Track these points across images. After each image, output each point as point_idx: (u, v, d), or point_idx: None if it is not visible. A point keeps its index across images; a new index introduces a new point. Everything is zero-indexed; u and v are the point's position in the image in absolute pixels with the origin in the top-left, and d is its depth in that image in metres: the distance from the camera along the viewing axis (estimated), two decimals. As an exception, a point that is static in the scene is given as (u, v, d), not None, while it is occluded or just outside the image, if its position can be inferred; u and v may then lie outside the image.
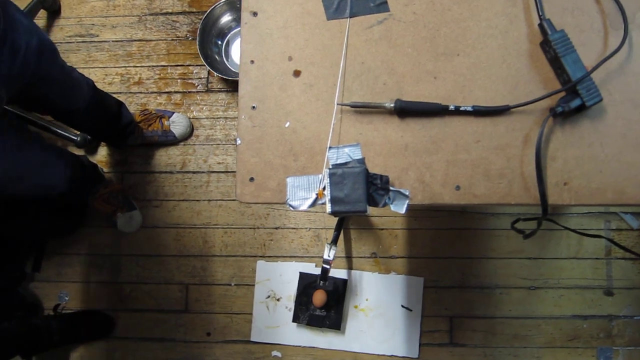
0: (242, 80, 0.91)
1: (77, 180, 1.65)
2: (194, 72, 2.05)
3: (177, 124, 1.97)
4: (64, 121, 1.72)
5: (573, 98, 0.82)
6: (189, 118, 2.02)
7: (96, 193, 1.87)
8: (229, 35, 2.06)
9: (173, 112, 1.99)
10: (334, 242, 1.56)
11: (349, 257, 1.89)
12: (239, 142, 0.89)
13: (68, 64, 1.51)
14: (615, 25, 0.87)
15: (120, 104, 1.85)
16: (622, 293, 1.84)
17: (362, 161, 0.85)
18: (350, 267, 1.89)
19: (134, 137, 1.94)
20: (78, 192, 1.78)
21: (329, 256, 1.50)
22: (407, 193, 0.84)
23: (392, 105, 0.85)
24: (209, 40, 2.00)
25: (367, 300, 1.86)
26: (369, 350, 1.84)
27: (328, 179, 0.81)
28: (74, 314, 1.93)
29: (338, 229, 1.62)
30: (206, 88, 2.03)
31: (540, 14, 0.86)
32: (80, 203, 1.95)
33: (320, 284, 1.57)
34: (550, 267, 1.85)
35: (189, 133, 2.02)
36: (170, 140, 1.99)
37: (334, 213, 0.80)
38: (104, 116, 1.78)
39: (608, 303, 1.84)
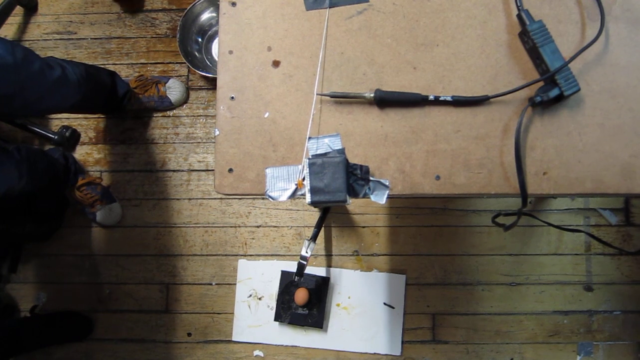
0: (220, 70, 0.90)
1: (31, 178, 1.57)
2: (174, 69, 2.03)
3: (173, 90, 1.96)
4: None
5: (551, 88, 0.83)
6: (184, 84, 2.01)
7: (74, 184, 1.84)
8: (210, 32, 2.04)
9: (169, 78, 1.98)
10: (313, 238, 1.56)
11: (330, 255, 1.88)
12: (217, 132, 0.88)
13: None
14: (592, 17, 0.88)
15: (113, 75, 1.82)
16: (602, 288, 1.85)
17: (342, 151, 0.84)
18: (332, 265, 1.88)
19: (130, 104, 1.92)
20: (57, 183, 1.75)
21: (306, 252, 1.49)
22: (387, 183, 0.83)
23: (371, 95, 0.85)
24: (189, 38, 1.98)
25: (349, 298, 1.85)
26: (352, 348, 1.83)
27: (308, 168, 0.80)
28: (52, 315, 1.89)
29: (318, 226, 1.61)
30: (186, 86, 2.01)
31: (519, 4, 0.86)
32: (60, 196, 1.91)
33: (296, 279, 1.56)
34: (531, 264, 1.86)
35: (185, 99, 2.01)
36: (167, 106, 1.98)
37: (313, 203, 0.79)
38: (99, 96, 1.73)
39: (588, 298, 1.85)
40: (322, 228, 1.78)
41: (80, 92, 1.54)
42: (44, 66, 1.38)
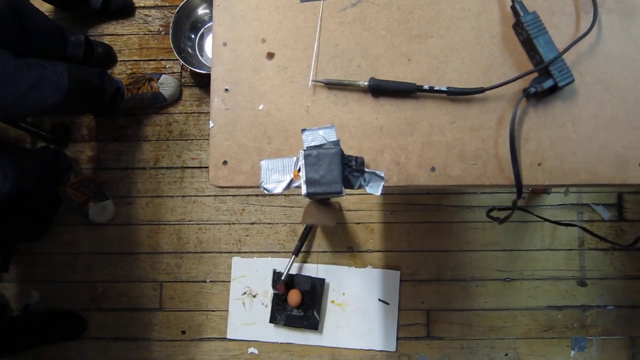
0: (214, 62, 0.90)
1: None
2: (167, 66, 2.02)
3: (166, 86, 1.94)
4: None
5: (546, 79, 0.83)
6: (177, 80, 2.00)
7: (67, 182, 1.83)
8: (203, 29, 2.03)
9: (161, 74, 1.96)
10: (296, 252, 1.54)
11: (324, 251, 1.88)
12: (212, 125, 0.88)
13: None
14: (585, 9, 0.88)
15: (102, 74, 1.77)
16: (595, 283, 1.86)
17: (337, 143, 0.84)
18: (326, 262, 1.88)
19: (123, 102, 1.89)
20: (46, 183, 1.73)
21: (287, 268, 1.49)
22: (382, 175, 0.83)
23: (366, 83, 0.85)
24: (182, 34, 1.97)
25: (343, 294, 1.85)
26: (347, 345, 1.83)
27: (303, 160, 0.80)
28: (44, 314, 1.88)
29: (302, 240, 1.60)
30: (179, 83, 2.00)
31: (513, -4, 0.87)
32: (52, 195, 1.90)
33: (277, 288, 1.57)
34: (525, 259, 1.87)
35: (178, 94, 2.00)
36: (160, 102, 1.96)
37: (309, 195, 0.79)
38: (86, 95, 1.69)
39: (581, 293, 1.86)
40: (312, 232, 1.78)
41: (61, 92, 1.48)
42: (21, 67, 1.35)
